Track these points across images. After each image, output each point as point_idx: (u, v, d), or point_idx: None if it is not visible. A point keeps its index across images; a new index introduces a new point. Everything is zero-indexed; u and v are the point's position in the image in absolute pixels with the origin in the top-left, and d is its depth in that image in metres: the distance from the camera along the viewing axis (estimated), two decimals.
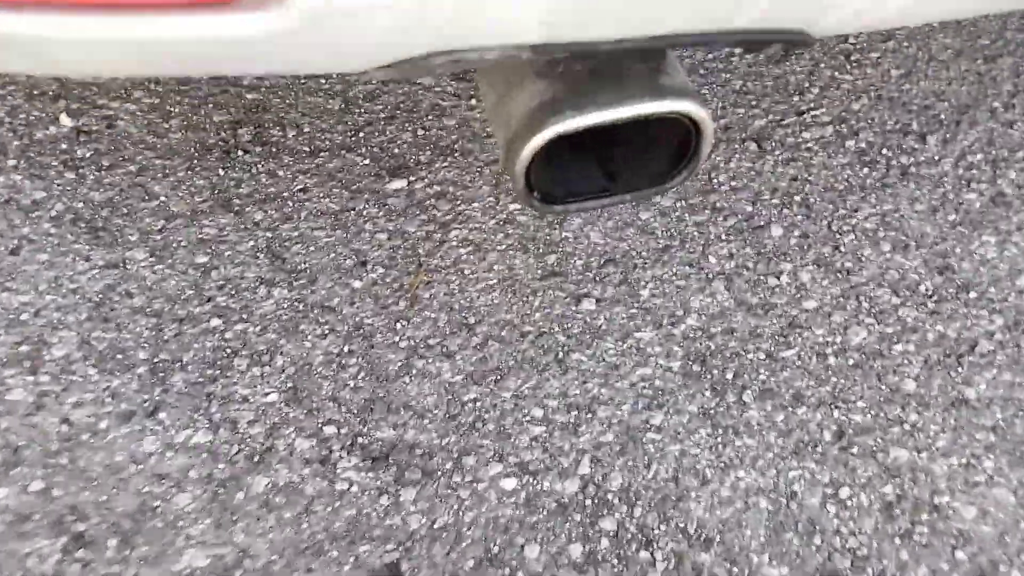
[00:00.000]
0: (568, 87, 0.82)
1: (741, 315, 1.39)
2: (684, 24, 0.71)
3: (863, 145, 1.61)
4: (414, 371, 1.31)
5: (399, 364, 1.31)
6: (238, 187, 1.52)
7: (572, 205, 0.91)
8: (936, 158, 1.59)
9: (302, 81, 1.66)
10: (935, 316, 1.40)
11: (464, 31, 0.69)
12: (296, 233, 1.46)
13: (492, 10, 0.66)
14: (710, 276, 1.43)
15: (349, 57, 0.74)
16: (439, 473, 1.21)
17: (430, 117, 1.62)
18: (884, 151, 1.60)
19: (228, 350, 1.33)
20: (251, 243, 1.45)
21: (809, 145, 1.61)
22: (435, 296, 1.39)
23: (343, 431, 1.25)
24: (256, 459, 1.22)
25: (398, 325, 1.35)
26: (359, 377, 1.30)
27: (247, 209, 1.49)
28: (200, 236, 1.46)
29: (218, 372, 1.31)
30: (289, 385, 1.29)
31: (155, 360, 1.32)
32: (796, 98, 1.68)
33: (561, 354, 1.34)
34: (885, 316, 1.40)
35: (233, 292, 1.39)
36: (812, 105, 1.67)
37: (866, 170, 1.57)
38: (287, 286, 1.40)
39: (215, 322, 1.36)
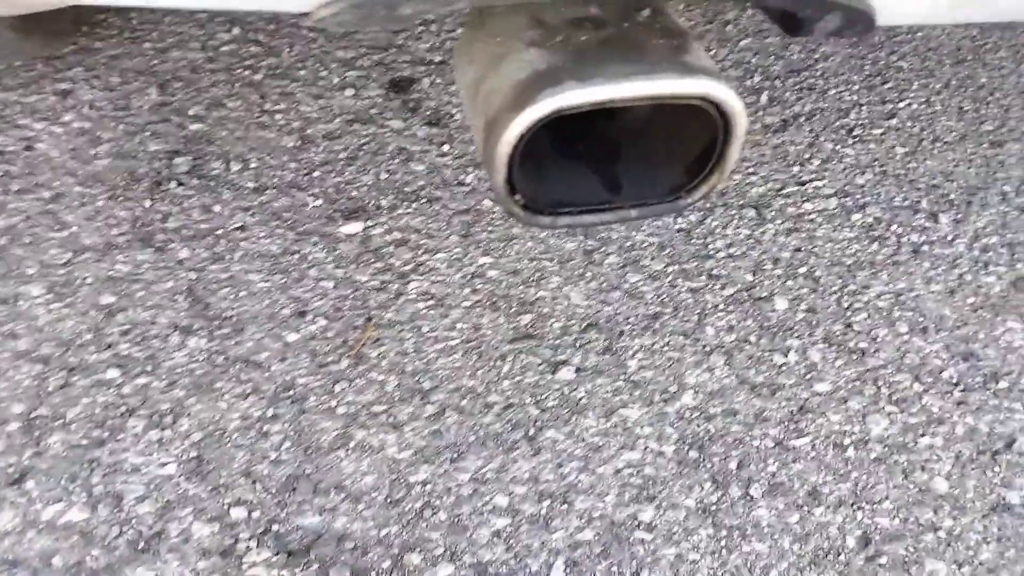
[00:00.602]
0: (570, 56, 0.64)
1: (744, 395, 1.19)
2: None
3: (870, 220, 1.46)
4: (352, 444, 1.06)
5: (334, 434, 1.07)
6: (165, 221, 1.31)
7: (563, 217, 0.71)
8: (949, 238, 1.45)
9: (256, 114, 1.48)
10: (963, 407, 1.21)
11: None
12: (226, 275, 1.24)
13: None
14: (707, 349, 1.24)
15: None
16: (373, 573, 0.95)
17: (396, 161, 1.44)
18: (893, 227, 1.46)
19: (123, 408, 1.08)
20: (170, 284, 1.22)
21: (812, 216, 1.46)
22: (385, 355, 1.16)
23: (255, 515, 0.99)
24: (141, 546, 0.96)
25: (337, 387, 1.11)
26: (283, 448, 1.05)
27: (171, 245, 1.27)
28: (110, 273, 1.23)
29: (107, 434, 1.05)
30: (193, 455, 1.03)
31: (32, 415, 1.06)
32: (796, 168, 1.54)
33: (532, 431, 1.11)
34: (908, 404, 1.20)
35: (140, 339, 1.15)
36: (814, 176, 1.53)
37: (875, 246, 1.42)
38: (206, 335, 1.16)
39: (112, 373, 1.11)
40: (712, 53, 1.75)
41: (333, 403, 1.10)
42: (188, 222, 1.30)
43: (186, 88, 1.52)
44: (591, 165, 0.75)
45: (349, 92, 1.55)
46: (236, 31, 1.64)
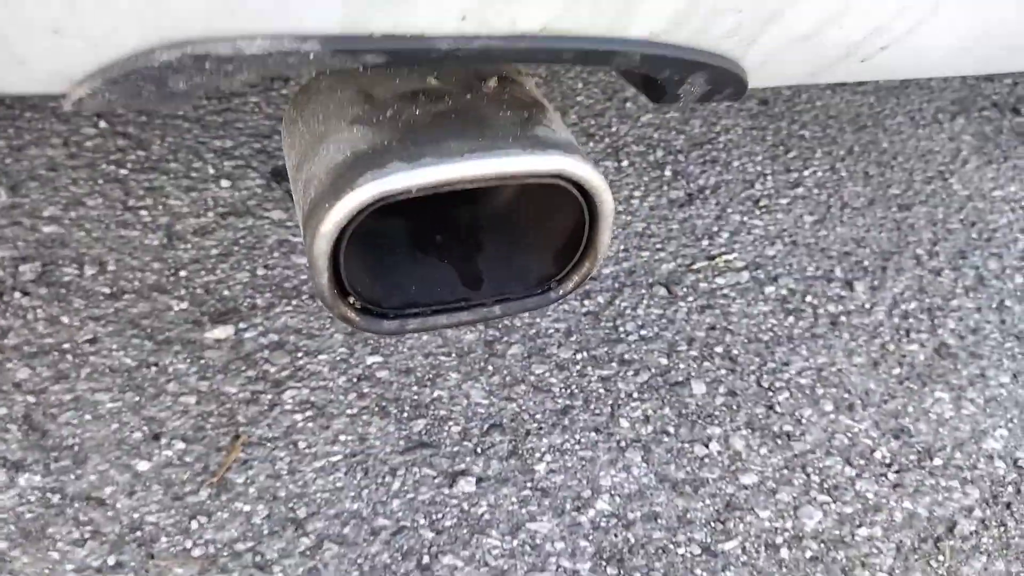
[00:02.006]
0: (399, 133, 0.54)
1: (665, 495, 1.07)
2: (559, 19, 0.46)
3: (784, 292, 1.40)
4: None
5: None
6: (3, 337, 1.14)
7: (412, 320, 0.60)
8: (867, 306, 1.39)
9: (119, 212, 1.34)
10: (899, 490, 1.12)
11: (205, 3, 0.41)
12: (70, 397, 1.07)
13: None
14: (623, 444, 1.12)
15: (26, 64, 0.44)
16: None
17: (276, 255, 1.32)
18: (808, 298, 1.39)
19: None
20: (3, 410, 1.05)
21: (725, 291, 1.38)
22: (253, 480, 1.01)
23: None
24: None
25: (194, 524, 0.95)
26: None
27: (9, 365, 1.11)
28: None
29: None
30: None
31: None
32: (705, 242, 1.48)
33: (427, 558, 0.96)
34: (841, 492, 1.10)
35: None
36: (724, 249, 1.47)
37: (791, 319, 1.35)
38: (42, 470, 0.99)
39: None
40: (613, 129, 1.70)
41: (188, 544, 0.93)
42: (31, 337, 1.14)
43: (42, 187, 1.38)
44: (448, 257, 0.64)
45: (225, 183, 1.43)
46: (103, 124, 1.52)
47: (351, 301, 0.57)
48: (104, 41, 0.42)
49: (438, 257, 0.64)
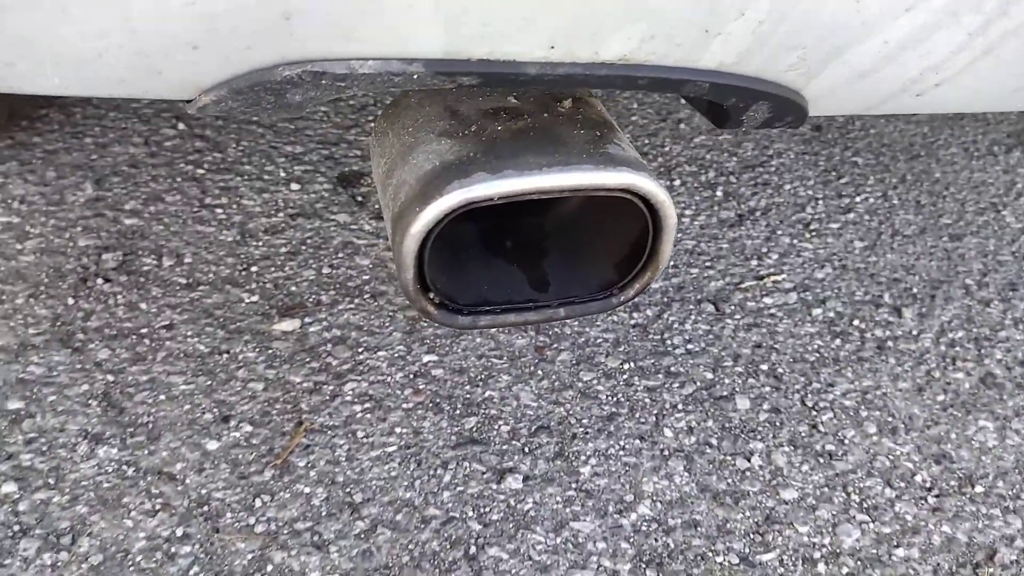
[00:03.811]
0: (483, 146, 0.59)
1: (705, 504, 1.10)
2: (637, 50, 0.51)
3: (832, 315, 1.42)
4: (269, 568, 0.96)
5: (250, 557, 0.96)
6: (87, 319, 1.23)
7: (484, 317, 0.65)
8: (914, 333, 1.40)
9: (195, 209, 1.43)
10: (939, 514, 1.13)
11: (326, 30, 0.47)
12: (146, 378, 1.15)
13: None
14: (666, 453, 1.15)
15: (162, 74, 0.51)
16: None
17: (340, 255, 1.39)
18: (856, 322, 1.41)
19: (16, 528, 0.97)
20: (85, 387, 1.13)
21: (772, 311, 1.41)
22: (314, 464, 1.07)
23: None
24: None
25: (257, 502, 1.01)
26: (190, 574, 0.94)
27: (91, 346, 1.19)
28: (22, 376, 1.14)
29: None
30: None
31: None
32: (754, 262, 1.51)
33: (474, 549, 1.01)
34: (880, 512, 1.12)
35: (45, 449, 1.05)
36: (772, 270, 1.50)
37: (838, 341, 1.37)
38: (118, 444, 1.06)
39: (8, 488, 1.01)
40: (666, 149, 1.74)
41: (251, 520, 0.99)
42: (111, 321, 1.23)
43: (124, 183, 1.48)
44: (518, 261, 0.69)
45: (295, 186, 1.50)
46: (181, 126, 1.61)
47: (431, 297, 0.62)
48: (235, 57, 0.48)
49: (508, 260, 0.69)
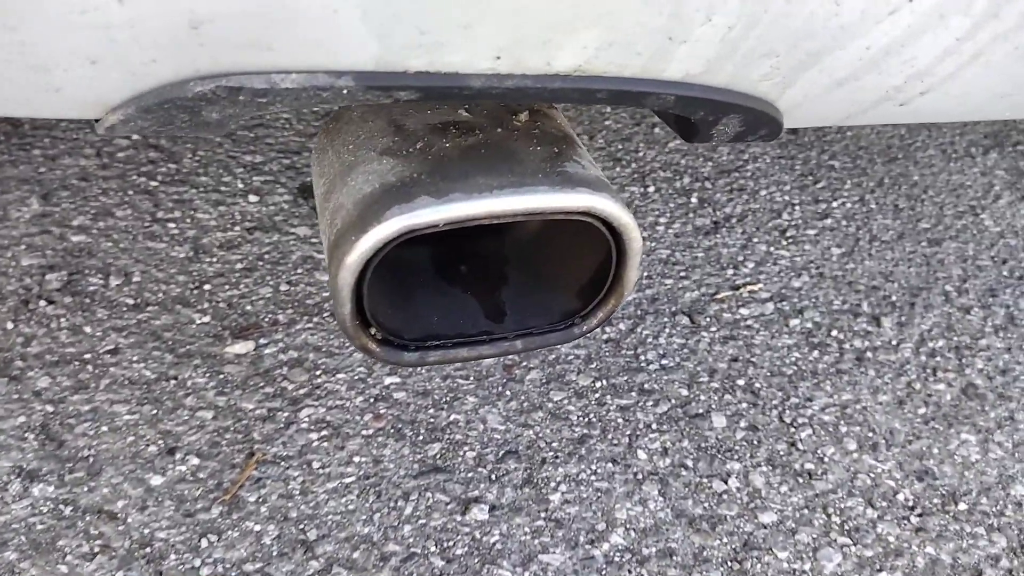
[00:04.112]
0: (428, 166, 0.54)
1: (681, 531, 1.05)
2: (594, 60, 0.45)
3: (809, 325, 1.38)
4: None
5: None
6: (27, 345, 1.15)
7: (433, 353, 0.59)
8: (894, 343, 1.36)
9: (146, 223, 1.36)
10: (922, 534, 1.09)
11: (240, 40, 0.41)
12: (88, 407, 1.08)
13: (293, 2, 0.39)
14: (639, 477, 1.10)
15: (61, 92, 0.44)
16: None
17: (299, 271, 1.32)
18: (834, 332, 1.37)
19: None
20: (22, 419, 1.06)
21: (748, 323, 1.37)
22: (265, 499, 1.00)
23: None
24: None
25: (204, 542, 0.95)
26: None
27: (30, 374, 1.11)
28: None
29: None
30: None
31: None
32: (730, 271, 1.46)
33: None
34: (862, 534, 1.08)
35: None
36: (748, 279, 1.45)
37: (816, 353, 1.33)
38: (56, 480, 0.99)
39: None
40: (640, 155, 1.70)
41: (197, 562, 0.93)
42: (53, 346, 1.15)
43: (73, 197, 1.40)
44: (473, 289, 0.64)
45: (253, 198, 1.44)
46: (136, 136, 1.53)
47: (372, 332, 0.56)
48: (140, 71, 0.42)
49: (462, 288, 0.64)
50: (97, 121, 0.48)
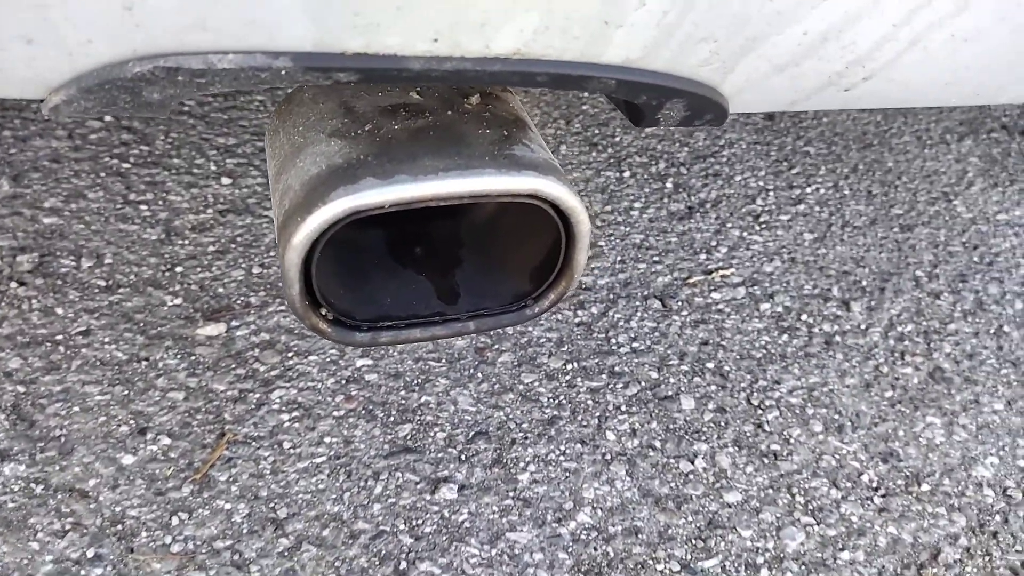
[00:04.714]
0: (376, 148, 0.54)
1: (647, 510, 1.06)
2: (532, 43, 0.46)
3: (779, 309, 1.39)
4: None
5: None
6: None
7: (385, 333, 0.60)
8: (863, 327, 1.38)
9: (118, 206, 1.36)
10: (884, 515, 1.11)
11: (175, 20, 0.41)
12: (60, 388, 1.08)
13: None
14: (607, 457, 1.12)
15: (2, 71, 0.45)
16: None
17: (272, 254, 1.32)
18: (804, 317, 1.38)
19: None
20: None
21: (720, 307, 1.38)
22: (236, 478, 1.01)
23: None
24: None
25: (175, 520, 0.96)
26: None
27: (1, 355, 1.12)
28: None
29: None
30: None
31: None
32: (703, 256, 1.48)
33: (404, 564, 0.96)
34: (825, 514, 1.10)
35: None
36: (721, 264, 1.46)
37: (785, 337, 1.34)
38: (27, 460, 1.00)
39: None
40: (616, 139, 1.70)
41: (168, 539, 0.94)
42: (24, 327, 1.16)
43: (44, 179, 1.40)
44: (427, 270, 0.65)
45: (226, 180, 1.44)
46: (108, 118, 1.53)
47: (323, 313, 0.57)
48: (77, 52, 0.43)
49: (416, 270, 0.65)
50: (42, 102, 0.49)
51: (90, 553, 0.93)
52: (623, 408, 1.19)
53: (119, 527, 0.95)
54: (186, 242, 1.32)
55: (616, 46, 0.48)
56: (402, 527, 1.00)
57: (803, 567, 1.03)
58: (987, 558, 1.08)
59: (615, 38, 0.47)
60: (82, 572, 0.91)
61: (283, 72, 0.45)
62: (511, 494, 1.06)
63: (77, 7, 0.40)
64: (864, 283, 1.46)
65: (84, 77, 0.44)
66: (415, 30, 0.45)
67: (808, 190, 1.65)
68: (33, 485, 0.98)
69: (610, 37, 0.47)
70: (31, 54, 0.43)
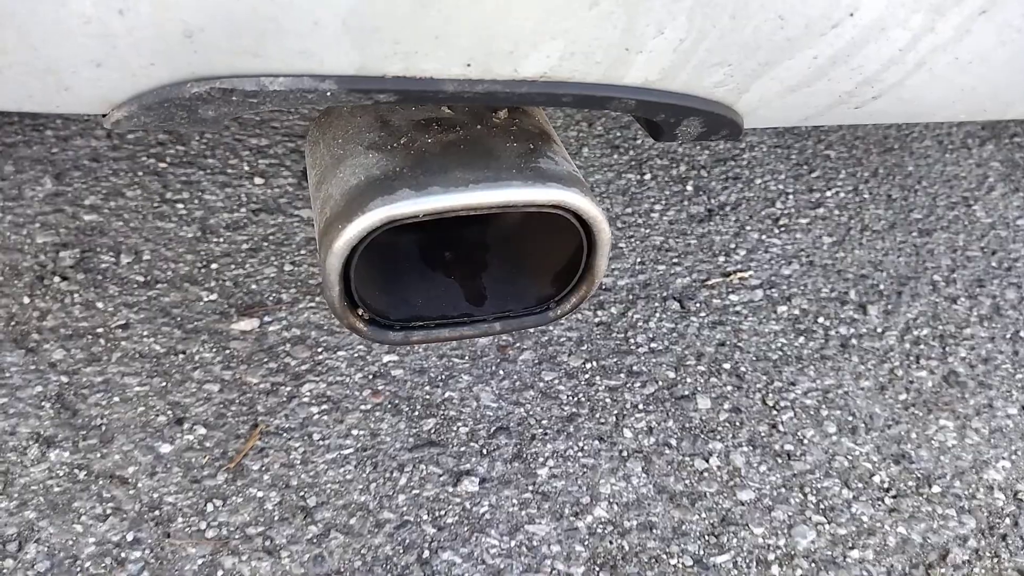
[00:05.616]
0: (410, 160, 0.58)
1: (662, 506, 1.10)
2: (558, 68, 0.50)
3: (797, 312, 1.42)
4: (219, 574, 0.95)
5: (200, 562, 0.96)
6: (42, 319, 1.21)
7: (417, 332, 0.64)
8: (879, 330, 1.40)
9: (156, 204, 1.41)
10: (895, 515, 1.13)
11: (231, 47, 0.45)
12: (100, 379, 1.14)
13: (275, 9, 0.43)
14: (624, 454, 1.15)
15: (71, 90, 0.49)
16: None
17: (303, 252, 1.37)
18: (820, 319, 1.41)
19: None
20: (39, 388, 1.12)
21: (737, 308, 1.41)
22: (268, 468, 1.06)
23: None
24: None
25: (209, 506, 1.01)
26: None
27: (46, 346, 1.17)
28: None
29: None
30: None
31: None
32: (722, 258, 1.50)
33: (427, 553, 1.01)
34: (836, 513, 1.12)
35: None
36: (739, 267, 1.49)
37: (802, 339, 1.37)
38: (71, 447, 1.05)
39: None
40: (638, 142, 1.73)
41: (203, 525, 0.99)
42: (67, 320, 1.21)
43: (84, 177, 1.45)
44: (456, 274, 0.69)
45: (259, 180, 1.49)
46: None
47: (360, 313, 0.61)
48: (140, 73, 0.47)
49: (445, 273, 0.69)
50: (104, 116, 0.53)
51: (129, 537, 0.98)
52: (640, 406, 1.22)
53: (156, 512, 1.00)
54: (221, 240, 1.37)
55: (636, 69, 0.51)
56: (425, 517, 1.04)
57: (813, 564, 1.06)
58: (995, 560, 1.10)
59: (635, 62, 0.51)
60: (122, 554, 0.96)
61: (328, 93, 0.49)
62: (530, 488, 1.09)
63: (142, 36, 0.44)
64: (881, 287, 1.48)
65: (145, 96, 0.49)
66: (450, 56, 0.49)
67: (828, 194, 1.67)
68: (76, 471, 1.03)
69: (630, 62, 0.50)
70: (98, 75, 0.47)
